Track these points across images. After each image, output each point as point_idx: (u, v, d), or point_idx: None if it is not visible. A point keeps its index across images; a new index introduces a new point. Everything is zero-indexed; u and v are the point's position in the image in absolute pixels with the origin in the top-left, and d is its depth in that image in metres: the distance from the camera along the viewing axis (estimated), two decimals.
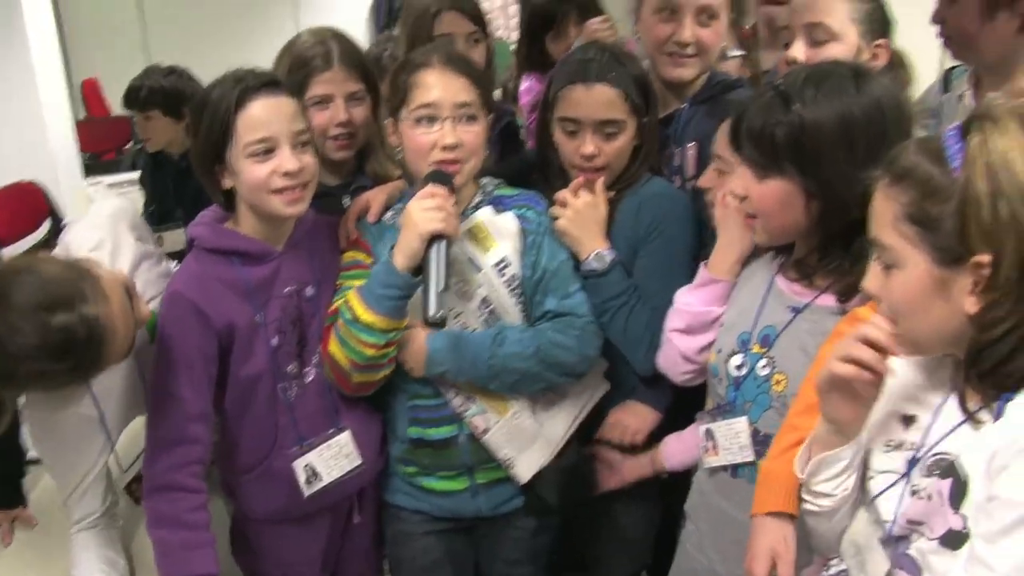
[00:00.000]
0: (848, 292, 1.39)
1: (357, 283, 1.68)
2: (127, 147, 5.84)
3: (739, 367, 1.52)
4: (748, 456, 1.50)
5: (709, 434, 1.55)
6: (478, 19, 2.35)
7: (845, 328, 1.29)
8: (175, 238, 3.09)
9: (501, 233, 1.72)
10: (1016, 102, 1.22)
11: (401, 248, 1.60)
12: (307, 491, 1.71)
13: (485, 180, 1.79)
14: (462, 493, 1.79)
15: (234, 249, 1.66)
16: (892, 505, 1.16)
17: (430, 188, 1.61)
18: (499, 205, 1.75)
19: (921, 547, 1.12)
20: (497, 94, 2.94)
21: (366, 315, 1.60)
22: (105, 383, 1.61)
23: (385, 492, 1.86)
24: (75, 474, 1.68)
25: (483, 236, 1.72)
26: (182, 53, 3.73)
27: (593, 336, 1.74)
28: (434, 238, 1.58)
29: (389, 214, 1.78)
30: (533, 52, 2.51)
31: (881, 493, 1.18)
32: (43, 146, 4.25)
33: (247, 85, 1.59)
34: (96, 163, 5.49)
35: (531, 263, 1.73)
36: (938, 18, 1.93)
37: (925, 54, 2.30)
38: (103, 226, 1.77)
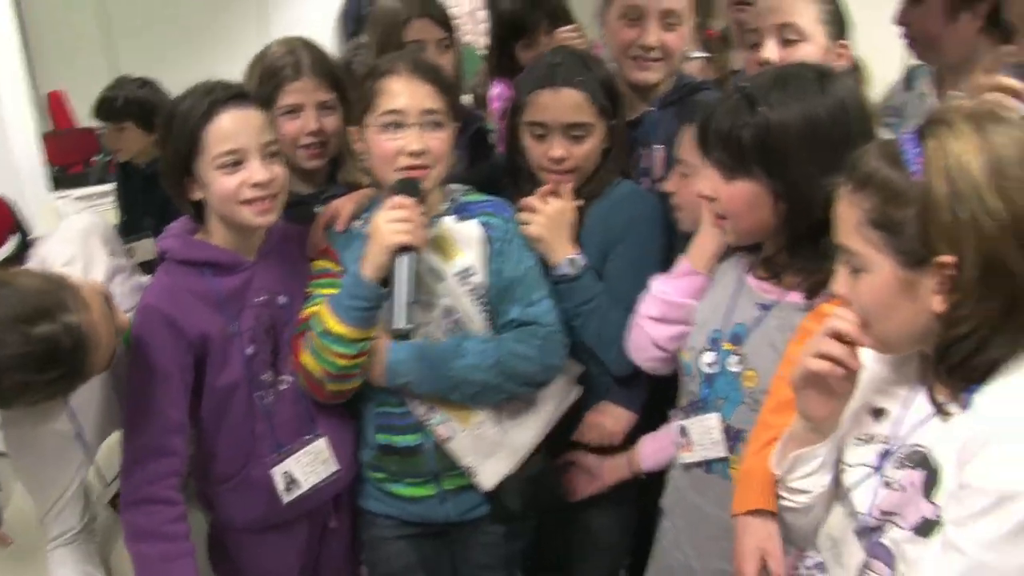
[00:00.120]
0: (815, 289, 1.41)
1: (326, 291, 1.69)
2: (94, 159, 5.78)
3: (711, 364, 1.54)
4: (721, 452, 1.52)
5: (683, 430, 1.57)
6: (447, 25, 2.36)
7: (811, 325, 1.32)
8: (146, 247, 3.08)
9: (465, 241, 1.72)
10: (970, 103, 1.25)
11: (368, 260, 1.60)
12: (286, 498, 1.71)
13: (453, 187, 1.79)
14: (430, 499, 1.80)
15: (205, 260, 1.66)
16: (866, 497, 1.18)
17: (397, 199, 1.61)
18: (464, 212, 1.75)
19: (895, 536, 1.14)
20: (467, 100, 2.96)
21: (337, 326, 1.61)
22: (82, 398, 1.60)
23: (358, 497, 1.86)
24: (54, 491, 1.67)
25: (446, 245, 1.71)
26: (149, 65, 3.71)
27: (557, 345, 1.73)
28: (401, 250, 1.58)
29: (358, 222, 1.78)
30: (503, 59, 2.52)
31: (855, 486, 1.20)
32: (8, 160, 4.20)
33: (216, 97, 1.60)
34: (63, 176, 5.43)
35: (495, 271, 1.73)
36: (903, 20, 1.97)
37: (886, 54, 2.35)
38: (75, 241, 1.77)
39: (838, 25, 1.93)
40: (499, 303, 1.73)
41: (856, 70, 2.00)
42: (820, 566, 1.27)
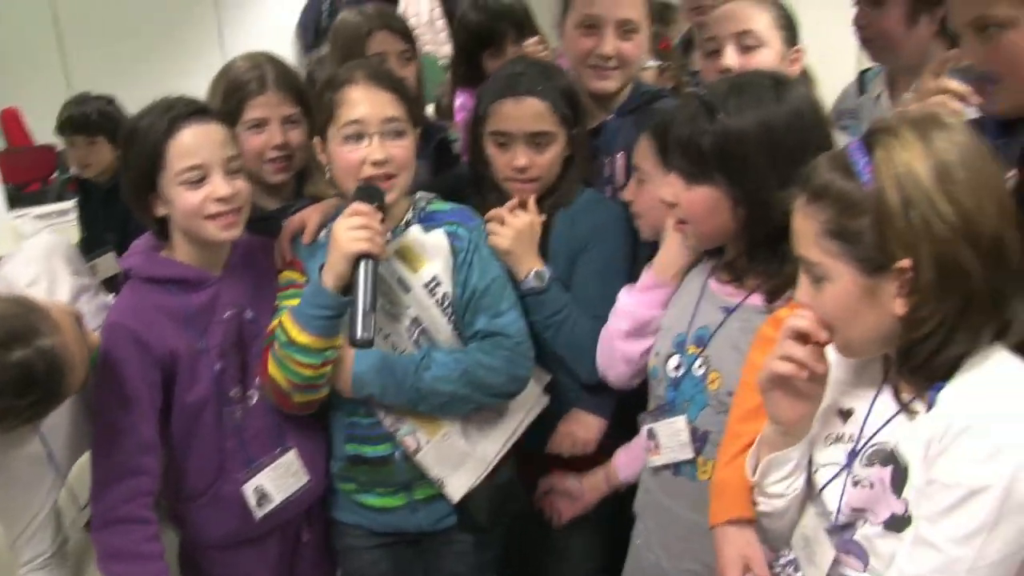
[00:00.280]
0: (776, 292, 1.44)
1: (292, 303, 1.68)
2: (52, 177, 5.70)
3: (676, 368, 1.57)
4: (688, 454, 1.54)
5: (651, 434, 1.59)
6: (408, 37, 2.37)
7: (770, 332, 1.35)
8: (108, 263, 3.06)
9: (431, 252, 1.72)
10: (912, 111, 1.30)
11: (329, 268, 1.59)
12: (258, 513, 1.71)
13: (418, 195, 1.79)
14: (401, 509, 1.80)
15: (171, 277, 1.65)
16: (836, 496, 1.20)
17: (355, 206, 1.60)
18: (430, 221, 1.75)
19: (867, 532, 1.17)
20: (430, 110, 2.96)
21: (300, 336, 1.60)
22: (51, 419, 1.58)
23: (330, 508, 1.85)
24: (25, 515, 1.64)
25: (413, 255, 1.71)
26: (104, 81, 3.68)
27: (523, 357, 1.74)
28: (361, 257, 1.57)
29: (322, 233, 1.77)
30: (470, 69, 2.53)
31: (825, 485, 1.22)
32: None
33: (176, 113, 1.59)
34: (19, 195, 5.34)
35: (462, 281, 1.73)
36: (861, 21, 2.01)
37: (836, 56, 2.40)
38: (38, 261, 1.75)
39: (791, 31, 1.98)
40: (465, 313, 1.73)
41: (806, 75, 2.05)
42: (793, 563, 1.30)
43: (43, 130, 5.07)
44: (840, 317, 1.14)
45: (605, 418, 1.88)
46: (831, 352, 1.19)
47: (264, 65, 1.94)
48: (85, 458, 1.71)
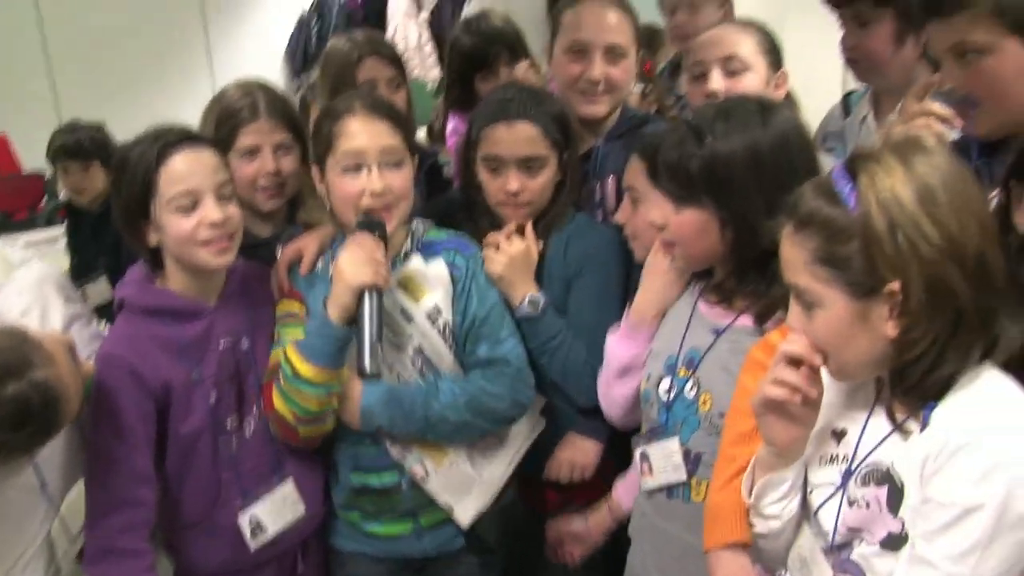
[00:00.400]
0: (765, 313, 1.45)
1: (293, 333, 1.68)
2: (41, 204, 5.68)
3: (668, 390, 1.57)
4: (681, 476, 1.54)
5: (644, 456, 1.59)
6: (397, 63, 2.39)
7: (760, 355, 1.36)
8: (99, 289, 3.06)
9: (431, 281, 1.73)
10: (893, 135, 1.32)
11: (333, 301, 1.60)
12: (253, 544, 1.70)
13: (415, 223, 1.80)
14: (407, 536, 1.80)
15: (165, 307, 1.65)
16: (832, 516, 1.21)
17: (358, 238, 1.61)
18: (429, 250, 1.76)
19: (863, 552, 1.17)
20: (421, 134, 2.98)
21: (305, 369, 1.60)
22: (45, 450, 1.57)
23: (330, 537, 1.84)
24: (18, 546, 1.62)
25: (414, 285, 1.72)
26: (93, 109, 3.69)
27: (524, 383, 1.75)
28: (366, 289, 1.57)
29: (320, 262, 1.78)
30: (463, 92, 2.55)
31: (821, 506, 1.23)
32: None
33: (168, 140, 1.60)
34: (7, 222, 5.32)
35: (461, 310, 1.74)
36: (847, 42, 2.04)
37: (823, 79, 2.42)
38: (29, 291, 1.75)
39: (775, 55, 2.01)
40: (466, 341, 1.74)
41: (790, 99, 2.08)
42: None
43: (32, 157, 5.05)
44: (833, 342, 1.15)
45: (601, 442, 1.88)
46: (824, 374, 1.20)
47: (256, 92, 1.95)
48: (77, 488, 1.71)
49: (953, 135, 1.46)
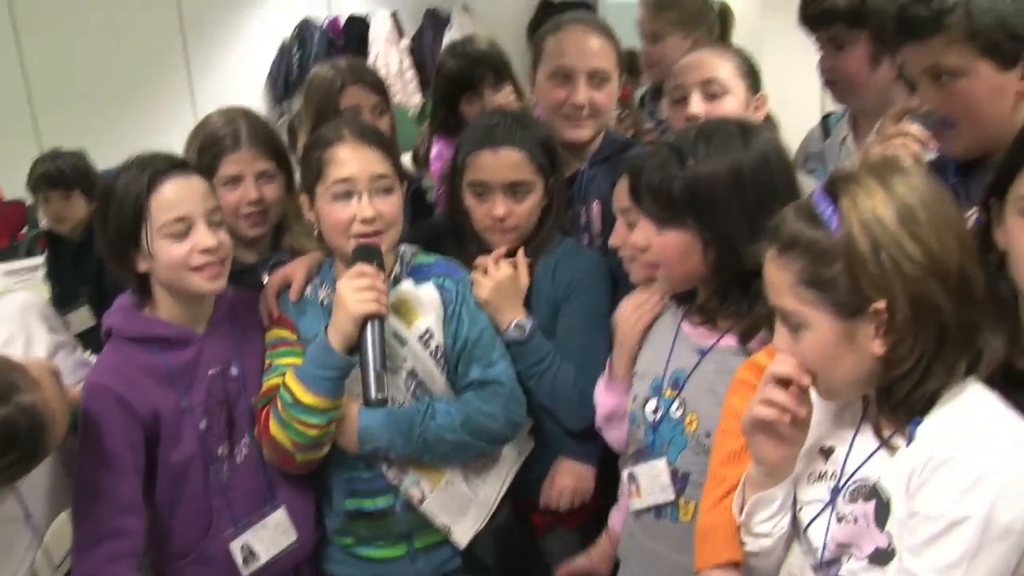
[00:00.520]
0: (749, 333, 1.46)
1: (286, 360, 1.69)
2: (21, 233, 5.65)
3: (654, 411, 1.58)
4: (669, 496, 1.54)
5: (632, 477, 1.59)
6: (380, 89, 2.41)
7: (746, 376, 1.37)
8: (81, 317, 3.04)
9: (423, 305, 1.74)
10: (871, 157, 1.34)
11: (335, 329, 1.60)
12: (245, 572, 1.69)
13: (403, 248, 1.81)
14: (401, 559, 1.79)
15: (153, 336, 1.65)
16: (821, 532, 1.22)
17: (359, 267, 1.61)
18: (418, 274, 1.77)
19: (852, 567, 1.18)
20: (406, 159, 3.00)
21: (306, 397, 1.60)
22: (29, 478, 1.56)
23: (323, 562, 1.84)
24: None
25: (407, 309, 1.73)
26: (74, 137, 3.70)
27: (517, 403, 1.77)
28: (368, 318, 1.58)
29: (308, 289, 1.79)
30: (449, 116, 2.57)
31: (810, 523, 1.24)
32: None
33: (157, 168, 1.60)
34: None
35: (452, 333, 1.75)
36: (825, 64, 2.08)
37: (802, 101, 2.46)
38: (13, 319, 1.74)
39: (754, 78, 2.04)
40: (458, 363, 1.75)
41: (770, 120, 2.11)
42: None
43: (12, 186, 5.03)
44: (821, 363, 1.16)
45: (594, 465, 1.89)
46: (811, 392, 1.21)
47: (239, 120, 1.96)
48: (60, 516, 1.69)
49: (930, 155, 1.50)
